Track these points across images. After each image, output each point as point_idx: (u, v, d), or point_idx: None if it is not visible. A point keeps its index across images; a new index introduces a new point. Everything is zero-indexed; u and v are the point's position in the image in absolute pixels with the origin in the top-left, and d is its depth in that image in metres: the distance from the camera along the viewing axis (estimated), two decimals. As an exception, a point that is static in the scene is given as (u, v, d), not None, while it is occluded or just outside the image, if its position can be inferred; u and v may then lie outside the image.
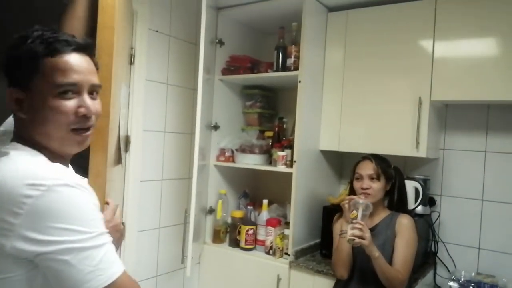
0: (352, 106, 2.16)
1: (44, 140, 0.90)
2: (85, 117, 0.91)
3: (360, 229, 1.61)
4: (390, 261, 1.69)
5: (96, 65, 0.97)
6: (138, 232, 2.09)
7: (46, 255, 0.78)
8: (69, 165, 1.01)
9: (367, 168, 1.79)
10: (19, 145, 0.89)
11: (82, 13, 1.24)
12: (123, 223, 1.16)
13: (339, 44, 2.21)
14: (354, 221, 1.65)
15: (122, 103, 1.95)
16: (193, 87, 2.34)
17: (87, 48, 0.94)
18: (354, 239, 1.60)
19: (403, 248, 1.70)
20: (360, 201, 1.68)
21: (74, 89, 0.89)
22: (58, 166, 0.86)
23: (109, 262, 0.83)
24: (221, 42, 2.40)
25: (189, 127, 2.36)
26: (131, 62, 2.02)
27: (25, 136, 0.91)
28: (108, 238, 0.85)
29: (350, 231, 1.63)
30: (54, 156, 0.91)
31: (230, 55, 2.44)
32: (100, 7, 1.13)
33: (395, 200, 1.84)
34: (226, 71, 2.42)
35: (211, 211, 2.41)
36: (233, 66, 2.40)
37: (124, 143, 1.97)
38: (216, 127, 2.42)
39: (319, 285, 1.97)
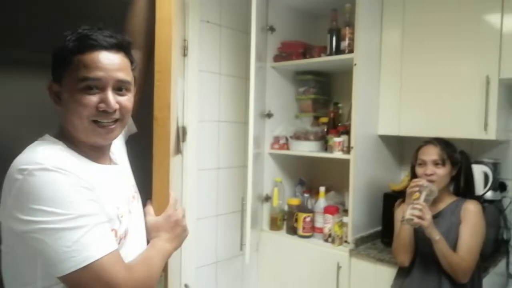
0: (412, 88, 2.06)
1: (72, 130, 0.98)
2: (106, 112, 0.96)
3: (420, 210, 1.55)
4: (454, 249, 1.61)
5: (132, 62, 1.03)
6: (197, 219, 2.14)
7: (27, 234, 0.84)
8: (110, 155, 1.09)
9: (431, 153, 1.70)
10: (47, 136, 0.98)
11: (142, 11, 1.26)
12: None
13: (396, 24, 2.11)
14: (414, 201, 1.59)
15: (178, 95, 1.98)
16: (246, 75, 2.33)
17: (120, 45, 0.99)
18: (412, 219, 1.55)
19: (468, 235, 1.61)
20: (425, 184, 1.61)
21: (98, 85, 0.95)
22: (50, 151, 0.91)
23: (85, 244, 0.85)
24: (272, 29, 2.37)
25: (243, 116, 2.36)
26: (184, 54, 2.04)
27: (61, 127, 1.00)
28: (90, 221, 0.87)
29: (409, 211, 1.58)
30: (85, 146, 0.99)
31: (282, 41, 2.40)
32: (157, 1, 1.14)
33: (461, 186, 1.74)
34: (278, 58, 2.39)
35: (267, 198, 2.41)
36: (285, 53, 2.36)
37: (181, 134, 2.00)
38: (269, 115, 2.40)
39: (381, 273, 1.92)
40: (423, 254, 1.68)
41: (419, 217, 1.55)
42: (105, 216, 0.93)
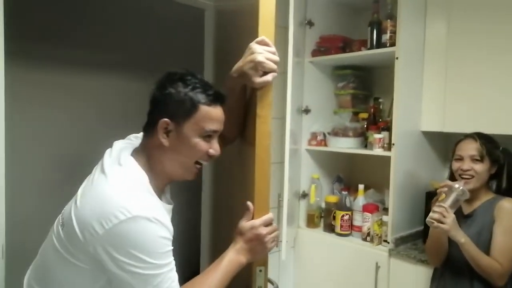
0: (458, 83, 1.96)
1: (170, 165, 1.09)
2: (212, 157, 1.11)
3: (440, 213, 1.47)
4: (488, 250, 1.52)
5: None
6: (234, 216, 2.14)
7: (116, 269, 0.94)
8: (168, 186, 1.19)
9: (470, 148, 1.61)
10: (133, 161, 1.06)
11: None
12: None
13: (441, 17, 2.02)
14: (437, 203, 1.52)
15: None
16: (283, 70, 2.30)
17: (225, 100, 1.13)
18: (433, 222, 1.48)
19: (502, 235, 1.52)
20: (456, 185, 1.53)
21: (213, 135, 1.10)
22: (150, 199, 1.01)
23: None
24: (310, 23, 2.33)
25: (280, 111, 2.33)
26: (222, 49, 2.04)
27: (151, 155, 1.09)
28: (168, 267, 0.99)
29: (430, 213, 1.51)
30: (165, 179, 1.11)
31: (320, 35, 2.36)
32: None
33: (503, 185, 1.65)
34: (316, 52, 2.34)
35: (304, 195, 2.38)
36: (324, 47, 2.32)
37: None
38: (307, 111, 2.37)
39: (422, 275, 1.85)
40: (454, 256, 1.60)
41: (438, 221, 1.47)
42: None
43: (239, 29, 1.57)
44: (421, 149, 2.15)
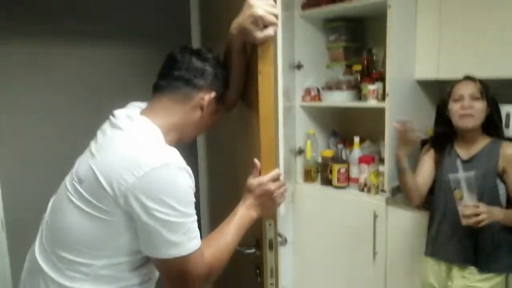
0: (453, 27, 1.92)
1: (189, 130, 1.17)
2: None
3: (474, 214, 1.46)
4: (491, 195, 1.57)
5: None
6: (232, 175, 2.15)
7: (146, 217, 0.95)
8: None
9: (469, 87, 1.62)
10: (145, 118, 1.08)
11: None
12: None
13: (433, -40, 1.96)
14: (462, 205, 1.50)
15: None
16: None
17: None
18: (475, 224, 1.48)
19: None
20: (459, 175, 1.51)
21: None
22: (174, 149, 1.03)
23: (188, 238, 0.99)
24: (299, -25, 2.26)
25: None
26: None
27: (171, 121, 1.11)
28: (193, 218, 1.01)
29: (461, 217, 1.50)
30: (172, 139, 1.13)
31: (310, -13, 2.29)
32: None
33: (492, 126, 1.68)
34: (306, 5, 2.29)
35: (301, 152, 2.39)
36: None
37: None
38: (299, 66, 2.34)
39: (418, 221, 1.90)
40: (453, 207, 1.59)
41: (478, 222, 1.46)
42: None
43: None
44: (416, 98, 2.14)
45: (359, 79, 2.25)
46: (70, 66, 2.53)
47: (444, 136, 1.77)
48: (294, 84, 2.35)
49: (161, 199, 0.94)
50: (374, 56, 2.28)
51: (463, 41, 1.90)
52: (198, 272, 1.01)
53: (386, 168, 2.02)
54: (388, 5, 1.91)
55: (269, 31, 1.14)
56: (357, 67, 2.28)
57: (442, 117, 1.73)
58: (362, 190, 2.15)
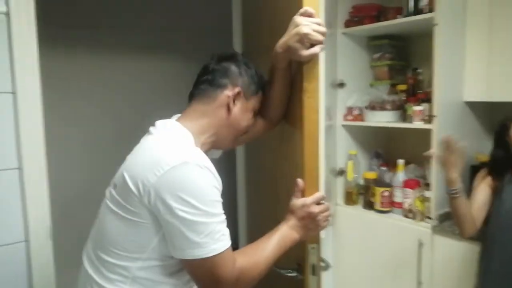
0: (503, 48, 1.82)
1: (223, 132, 1.17)
2: (247, 131, 1.24)
3: None
4: None
5: None
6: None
7: (169, 216, 0.96)
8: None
9: None
10: (179, 124, 1.11)
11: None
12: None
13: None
14: None
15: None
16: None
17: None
18: None
19: None
20: None
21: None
22: (198, 150, 1.04)
23: (214, 239, 0.97)
24: (342, -8, 2.22)
25: (314, 87, 2.26)
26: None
27: (201, 120, 1.14)
28: (218, 219, 0.99)
29: None
30: (208, 142, 1.16)
31: (353, 5, 2.24)
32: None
33: None
34: (349, 23, 2.24)
35: (341, 172, 2.32)
36: (357, 17, 2.21)
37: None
38: (341, 85, 2.28)
39: (468, 252, 1.77)
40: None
41: None
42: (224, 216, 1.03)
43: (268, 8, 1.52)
44: (464, 120, 2.03)
45: (404, 99, 2.16)
46: (123, 77, 2.63)
47: (503, 162, 1.65)
48: (336, 102, 2.30)
49: (181, 197, 0.94)
50: (420, 76, 2.18)
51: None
52: (225, 276, 0.99)
53: (433, 193, 1.91)
54: (435, 22, 1.83)
55: (315, 49, 1.13)
56: (402, 87, 2.19)
57: (502, 142, 1.62)
58: (407, 215, 2.05)
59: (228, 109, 1.15)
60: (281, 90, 1.29)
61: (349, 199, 2.30)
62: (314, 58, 1.15)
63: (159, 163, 0.96)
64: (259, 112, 1.38)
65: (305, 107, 1.17)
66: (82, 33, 2.53)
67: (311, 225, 1.17)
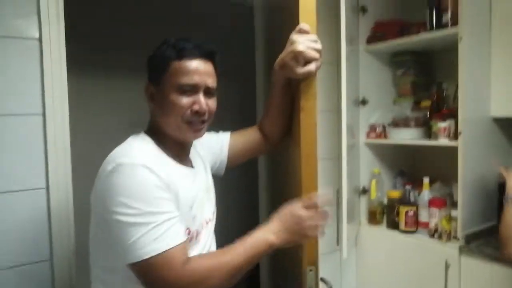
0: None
1: (165, 127, 1.09)
2: (198, 113, 1.07)
3: None
4: None
5: (216, 70, 1.13)
6: (290, 213, 2.09)
7: (106, 217, 0.95)
8: (191, 159, 1.19)
9: None
10: (141, 133, 1.10)
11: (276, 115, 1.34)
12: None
13: (510, -13, 1.82)
14: None
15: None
16: (336, 60, 2.21)
17: (210, 54, 1.10)
18: None
19: None
20: None
21: (192, 89, 1.06)
22: (142, 149, 1.03)
23: (152, 239, 0.92)
24: (364, 10, 2.21)
25: (334, 104, 2.24)
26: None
27: (153, 123, 1.12)
28: (157, 218, 0.94)
29: None
30: (174, 142, 1.10)
31: (376, 21, 2.23)
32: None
33: None
34: (371, 39, 2.22)
35: (365, 191, 2.27)
36: (380, 33, 2.19)
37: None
38: (364, 102, 2.25)
39: (498, 275, 1.68)
40: None
41: None
42: (176, 213, 0.99)
43: (288, 24, 1.53)
44: (492, 137, 1.95)
45: (428, 115, 2.10)
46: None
47: None
48: (359, 120, 2.27)
49: (117, 200, 0.93)
50: (444, 92, 2.12)
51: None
52: (171, 277, 0.93)
53: (460, 212, 1.83)
54: (460, 37, 1.79)
55: (310, 67, 1.12)
56: (426, 103, 2.14)
57: None
58: (433, 236, 1.97)
59: (147, 95, 1.13)
60: (279, 107, 1.26)
61: (373, 218, 2.24)
62: (311, 75, 1.14)
63: (100, 173, 1.00)
64: (258, 128, 1.36)
65: (302, 126, 1.14)
66: (106, 55, 2.62)
67: (295, 227, 1.06)
